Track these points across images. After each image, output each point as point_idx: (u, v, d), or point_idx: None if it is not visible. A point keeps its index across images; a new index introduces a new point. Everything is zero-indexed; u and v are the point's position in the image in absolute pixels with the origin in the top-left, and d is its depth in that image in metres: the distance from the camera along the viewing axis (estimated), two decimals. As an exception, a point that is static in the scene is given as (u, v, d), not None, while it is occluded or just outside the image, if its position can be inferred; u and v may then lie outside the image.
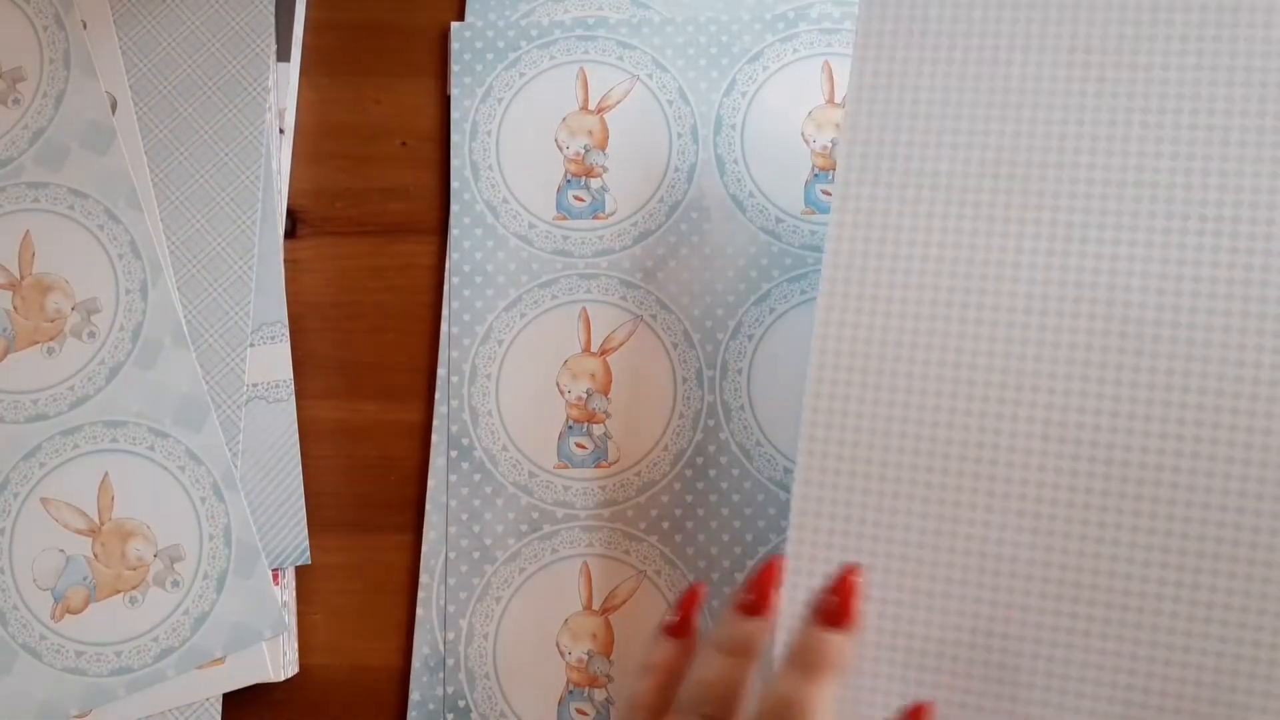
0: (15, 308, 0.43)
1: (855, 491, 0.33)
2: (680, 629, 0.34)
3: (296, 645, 0.42)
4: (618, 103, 0.46)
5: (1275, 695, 0.30)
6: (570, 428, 0.43)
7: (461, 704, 0.41)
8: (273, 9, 0.46)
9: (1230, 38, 0.32)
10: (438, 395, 0.44)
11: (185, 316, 0.43)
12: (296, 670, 0.42)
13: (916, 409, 0.32)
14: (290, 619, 0.42)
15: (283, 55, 0.46)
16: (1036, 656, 0.31)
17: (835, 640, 0.30)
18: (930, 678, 0.32)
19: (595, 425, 0.43)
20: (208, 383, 0.43)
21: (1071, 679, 0.31)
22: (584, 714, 0.41)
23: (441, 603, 0.42)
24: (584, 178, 0.45)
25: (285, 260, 0.45)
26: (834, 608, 0.30)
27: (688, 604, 0.34)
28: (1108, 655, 0.31)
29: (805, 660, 0.30)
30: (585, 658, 0.41)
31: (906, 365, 0.33)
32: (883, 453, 0.32)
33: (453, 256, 0.45)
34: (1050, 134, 0.33)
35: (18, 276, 0.43)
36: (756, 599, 0.32)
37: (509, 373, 0.44)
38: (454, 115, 0.46)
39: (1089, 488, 0.31)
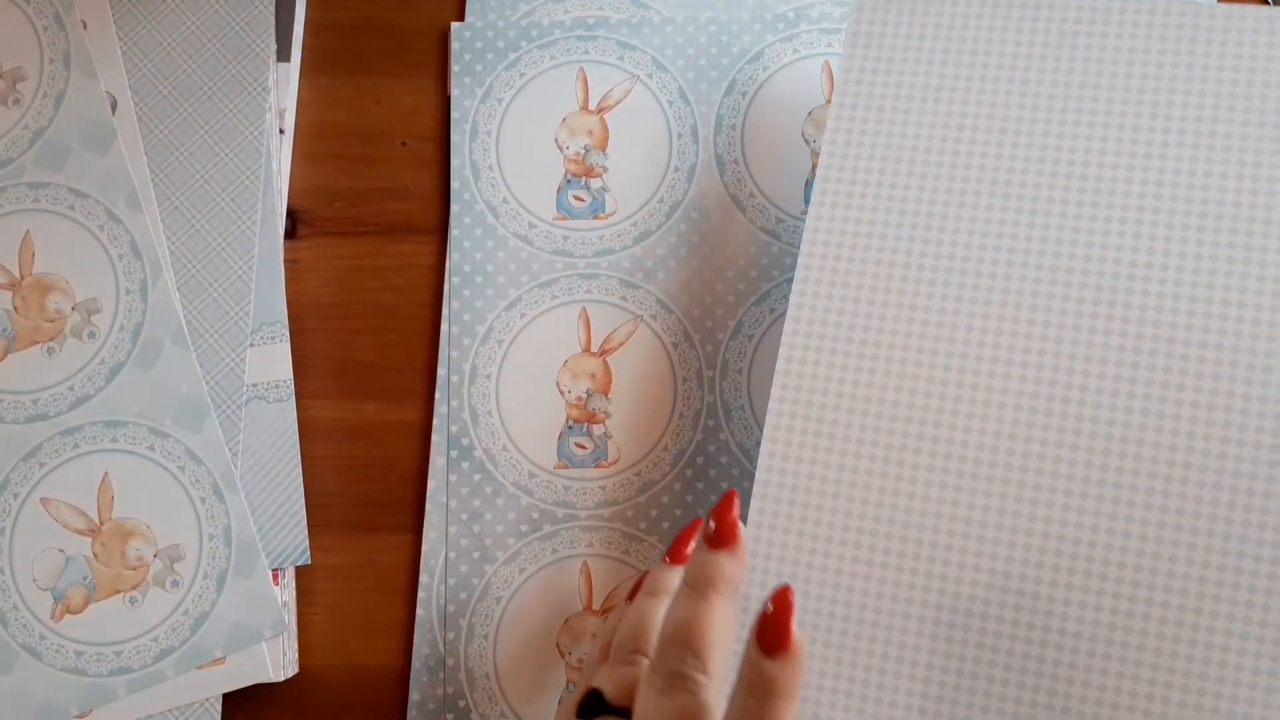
0: (15, 308, 0.43)
1: (820, 451, 0.35)
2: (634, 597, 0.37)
3: (296, 645, 0.42)
4: (618, 103, 0.46)
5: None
6: (570, 428, 0.43)
7: (461, 704, 0.41)
8: (273, 9, 0.46)
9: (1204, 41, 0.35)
10: (438, 395, 0.44)
11: (185, 316, 0.43)
12: (296, 670, 0.42)
13: (882, 376, 0.35)
14: (290, 619, 0.42)
15: (283, 55, 0.46)
16: (986, 617, 0.33)
17: (719, 559, 0.32)
18: (884, 635, 0.33)
19: (595, 425, 0.43)
20: (208, 383, 0.43)
21: (1016, 649, 0.32)
22: (584, 714, 0.41)
23: (441, 603, 0.42)
24: (584, 178, 0.45)
25: (285, 260, 0.45)
26: (715, 529, 0.33)
27: (642, 578, 0.37)
28: (1066, 636, 0.32)
29: (694, 581, 0.31)
30: (585, 658, 0.41)
31: (875, 334, 0.35)
32: (848, 415, 0.35)
33: (453, 256, 0.45)
34: (1027, 127, 0.36)
35: (18, 276, 0.43)
36: (676, 550, 0.36)
37: (509, 373, 0.44)
38: (454, 115, 0.46)
39: (1039, 468, 0.33)
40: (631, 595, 0.37)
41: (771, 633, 0.29)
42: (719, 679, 0.30)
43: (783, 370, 0.36)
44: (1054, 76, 0.36)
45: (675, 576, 0.34)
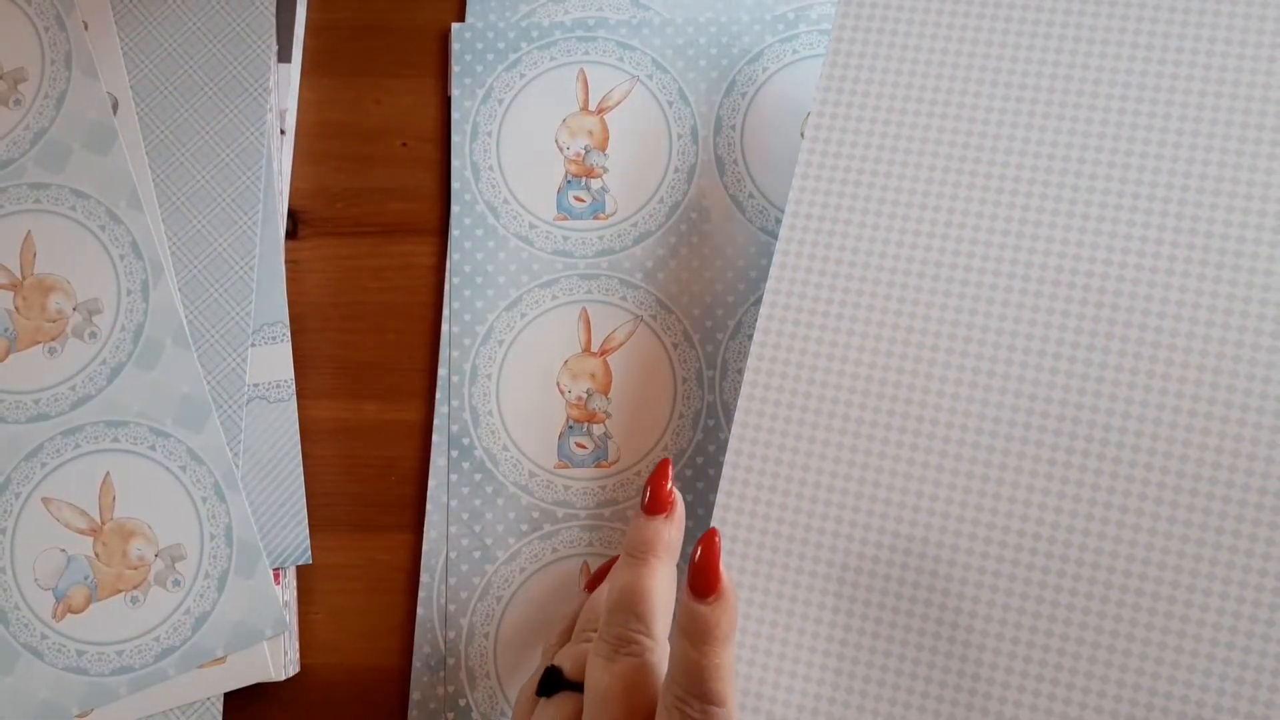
0: (17, 308, 0.43)
1: (791, 423, 0.35)
2: (592, 588, 0.38)
3: (297, 645, 0.42)
4: (618, 103, 0.46)
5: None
6: (570, 428, 0.43)
7: (462, 703, 0.41)
8: (273, 10, 0.46)
9: (1192, 23, 0.35)
10: (438, 395, 0.44)
11: (186, 317, 0.43)
12: (297, 670, 0.42)
13: (856, 352, 0.35)
14: (291, 618, 0.42)
15: (284, 56, 0.46)
16: (948, 593, 0.33)
17: (656, 525, 0.32)
18: (846, 605, 0.34)
19: (595, 425, 0.43)
20: (209, 383, 0.43)
21: (979, 616, 0.33)
22: (584, 713, 0.41)
23: (442, 602, 0.42)
24: (584, 178, 0.45)
25: (286, 260, 0.45)
26: (650, 497, 0.33)
27: (601, 570, 0.39)
28: (1025, 615, 0.33)
29: (633, 548, 0.32)
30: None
31: (851, 310, 0.36)
32: (820, 388, 0.35)
33: (453, 257, 0.45)
34: (1011, 116, 0.36)
35: (19, 277, 0.43)
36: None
37: (509, 373, 0.44)
38: (454, 116, 0.46)
39: (1006, 449, 0.34)
40: (590, 586, 0.38)
41: (701, 577, 0.29)
42: (664, 641, 0.30)
43: (759, 342, 0.36)
44: (1041, 56, 0.36)
45: None
